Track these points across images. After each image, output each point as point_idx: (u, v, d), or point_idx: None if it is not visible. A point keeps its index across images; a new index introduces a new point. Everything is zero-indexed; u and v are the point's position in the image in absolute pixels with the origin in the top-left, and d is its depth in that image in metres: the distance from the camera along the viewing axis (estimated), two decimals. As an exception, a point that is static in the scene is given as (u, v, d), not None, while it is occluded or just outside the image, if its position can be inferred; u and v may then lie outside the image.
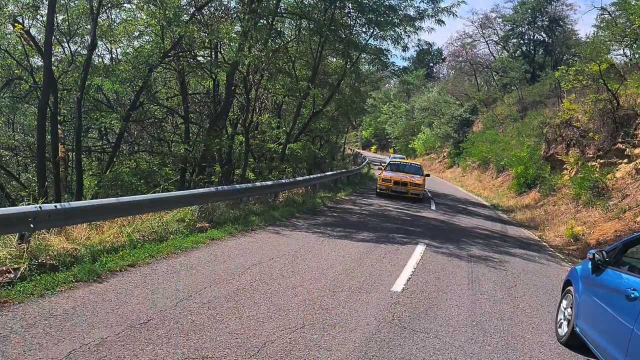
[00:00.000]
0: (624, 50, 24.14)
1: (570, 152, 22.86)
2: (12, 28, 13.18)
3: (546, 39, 49.33)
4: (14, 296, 5.13)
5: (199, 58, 16.97)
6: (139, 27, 14.76)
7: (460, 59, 56.92)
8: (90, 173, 16.04)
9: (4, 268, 5.84)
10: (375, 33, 22.07)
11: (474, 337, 5.76)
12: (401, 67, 27.70)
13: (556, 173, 23.90)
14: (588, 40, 29.26)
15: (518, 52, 50.23)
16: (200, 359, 4.32)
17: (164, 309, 5.34)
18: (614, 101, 19.17)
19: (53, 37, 12.24)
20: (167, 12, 12.80)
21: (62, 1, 13.77)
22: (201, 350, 4.49)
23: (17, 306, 4.97)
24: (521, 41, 50.96)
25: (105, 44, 16.76)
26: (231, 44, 16.41)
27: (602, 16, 27.63)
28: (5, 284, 5.46)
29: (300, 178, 17.48)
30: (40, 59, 13.51)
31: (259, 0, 15.55)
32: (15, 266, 5.90)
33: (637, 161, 17.55)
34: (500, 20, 51.61)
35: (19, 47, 14.25)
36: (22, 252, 6.08)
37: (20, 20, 13.29)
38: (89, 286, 5.81)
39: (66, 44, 15.08)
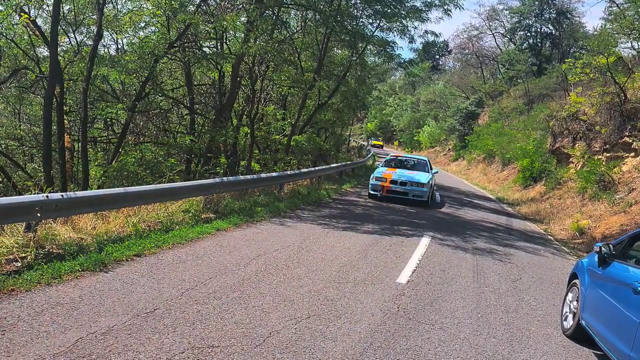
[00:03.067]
0: (632, 43, 23.97)
1: (577, 145, 22.75)
2: (18, 18, 13.16)
3: (553, 32, 49.00)
4: (21, 284, 5.16)
5: (204, 49, 16.93)
6: (144, 18, 14.72)
7: (467, 51, 56.76)
8: (96, 163, 16.06)
9: (11, 257, 5.88)
10: (381, 25, 21.97)
11: (479, 329, 5.76)
12: (407, 59, 27.59)
13: (562, 166, 23.80)
14: (596, 32, 29.04)
15: (525, 44, 49.94)
16: (206, 348, 4.34)
17: (170, 299, 5.36)
18: (621, 94, 19.04)
19: (59, 27, 12.22)
20: (173, 2, 12.76)
21: (68, -9, 13.75)
22: (207, 339, 4.50)
23: (24, 294, 4.99)
24: (528, 34, 50.65)
25: (111, 34, 16.72)
26: (237, 34, 16.36)
27: (610, 8, 27.41)
28: (13, 272, 5.49)
29: (305, 170, 17.48)
30: (46, 49, 13.50)
31: (265, -10, 15.48)
32: (22, 255, 5.93)
33: (644, 155, 17.47)
34: (507, 12, 51.39)
35: (25, 37, 14.23)
36: (29, 241, 6.11)
37: (27, 10, 13.28)
38: (95, 275, 5.84)
39: (72, 34, 15.06)
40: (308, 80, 18.83)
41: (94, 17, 13.66)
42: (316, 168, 18.87)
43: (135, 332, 4.45)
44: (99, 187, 12.35)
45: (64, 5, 13.31)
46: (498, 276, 8.47)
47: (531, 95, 40.29)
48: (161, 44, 13.95)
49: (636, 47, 24.41)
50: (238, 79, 16.03)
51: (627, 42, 23.70)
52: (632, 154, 18.25)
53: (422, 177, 16.42)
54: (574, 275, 6.56)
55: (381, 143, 69.02)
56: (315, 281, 6.64)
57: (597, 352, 5.60)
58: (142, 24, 15.29)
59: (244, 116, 18.56)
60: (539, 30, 49.88)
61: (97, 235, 7.20)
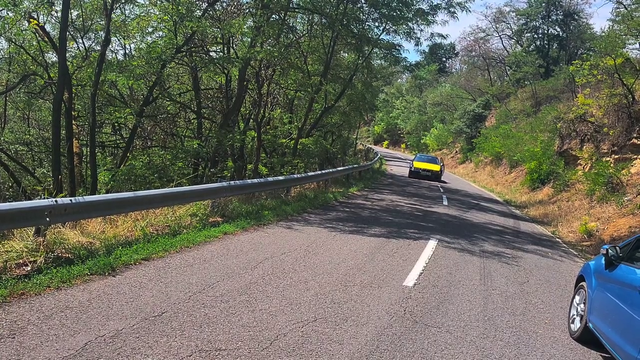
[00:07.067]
0: (639, 44, 23.81)
1: (585, 147, 22.63)
2: (27, 24, 13.31)
3: (560, 33, 48.84)
4: (31, 288, 5.22)
5: (211, 53, 17.03)
6: (152, 23, 14.84)
7: (473, 53, 56.63)
8: (105, 168, 16.18)
9: (21, 261, 5.94)
10: (387, 28, 22.02)
11: (486, 332, 5.76)
12: (413, 62, 27.61)
13: (570, 168, 23.68)
14: (603, 34, 28.87)
15: (532, 46, 49.78)
16: (213, 351, 4.37)
17: (178, 302, 5.40)
18: (629, 96, 18.95)
19: (67, 33, 12.35)
20: (179, 7, 12.86)
21: (76, -3, 13.88)
22: (214, 342, 4.54)
23: (34, 298, 5.05)
24: (535, 35, 50.52)
25: (118, 40, 16.86)
26: (243, 39, 16.45)
27: (618, 10, 27.31)
28: (23, 276, 5.55)
29: (312, 173, 17.50)
30: (54, 54, 13.64)
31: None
32: (32, 259, 5.99)
33: (652, 156, 17.36)
34: (514, 14, 51.29)
35: (34, 43, 14.39)
36: (39, 246, 6.18)
37: (35, 16, 13.42)
38: (104, 279, 5.89)
39: (80, 40, 15.23)
40: (315, 83, 18.88)
41: (102, 22, 13.80)
42: (323, 171, 18.89)
43: (143, 336, 4.49)
44: (107, 192, 12.45)
45: (72, 11, 13.45)
46: (505, 279, 8.45)
47: (538, 97, 40.14)
48: (168, 49, 14.05)
49: (644, 48, 24.27)
50: (245, 83, 16.11)
51: (635, 43, 23.54)
52: (641, 155, 18.14)
53: None
54: (581, 278, 6.55)
55: (437, 167, 31.42)
56: (321, 284, 6.67)
57: (605, 354, 5.58)
58: (150, 29, 15.42)
59: (251, 120, 18.66)
60: (546, 32, 49.75)
61: (105, 240, 7.26)
